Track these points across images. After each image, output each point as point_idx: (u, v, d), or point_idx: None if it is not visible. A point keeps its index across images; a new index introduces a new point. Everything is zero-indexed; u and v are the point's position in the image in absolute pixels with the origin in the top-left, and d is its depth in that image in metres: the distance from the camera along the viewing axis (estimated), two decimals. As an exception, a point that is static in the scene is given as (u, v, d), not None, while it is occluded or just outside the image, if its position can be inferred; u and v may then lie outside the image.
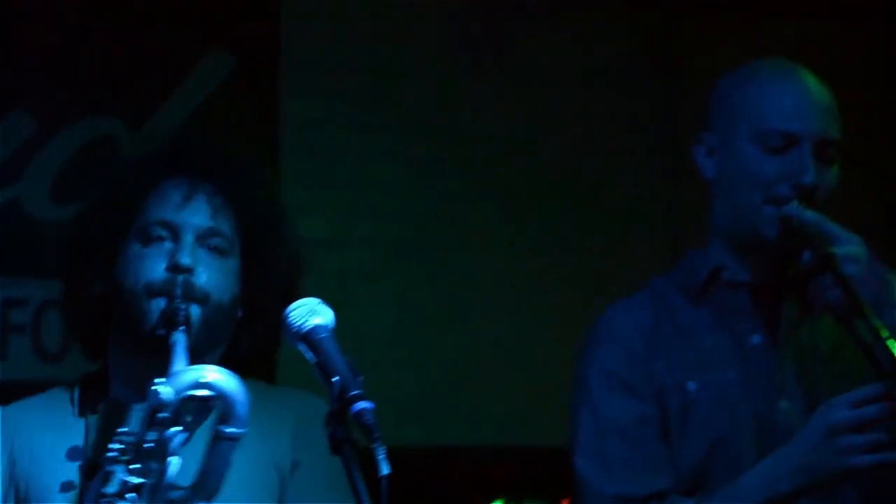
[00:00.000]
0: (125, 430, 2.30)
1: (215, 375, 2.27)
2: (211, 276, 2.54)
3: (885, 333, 2.51)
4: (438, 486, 5.55)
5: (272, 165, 5.45)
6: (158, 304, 2.50)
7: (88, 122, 5.18)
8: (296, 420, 2.58)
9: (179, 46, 5.32)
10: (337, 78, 5.65)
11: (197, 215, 2.57)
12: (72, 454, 2.52)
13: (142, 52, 5.25)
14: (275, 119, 5.50)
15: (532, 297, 5.74)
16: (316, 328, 2.27)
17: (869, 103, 6.02)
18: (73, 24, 5.17)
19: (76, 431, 2.54)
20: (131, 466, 2.25)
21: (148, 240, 2.56)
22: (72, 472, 2.49)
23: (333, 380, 2.18)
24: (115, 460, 2.27)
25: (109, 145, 5.14)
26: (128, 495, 2.25)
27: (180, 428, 2.27)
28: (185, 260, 2.52)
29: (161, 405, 2.24)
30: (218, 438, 2.28)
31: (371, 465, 2.09)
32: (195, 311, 2.50)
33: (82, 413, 2.58)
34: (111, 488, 2.27)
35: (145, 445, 2.25)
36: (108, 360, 2.63)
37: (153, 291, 2.51)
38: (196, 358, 2.45)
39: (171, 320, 2.46)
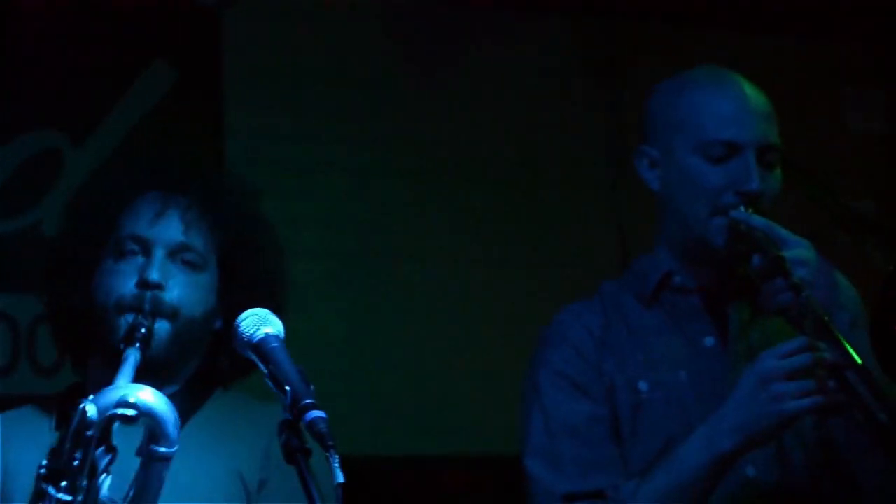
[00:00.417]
0: (55, 447, 2.27)
1: (143, 395, 2.25)
2: (182, 291, 2.55)
3: (839, 336, 2.53)
4: (391, 496, 5.53)
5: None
6: (127, 319, 2.51)
7: (33, 135, 5.14)
8: (270, 437, 2.51)
9: (121, 59, 5.28)
10: (280, 88, 5.63)
11: (168, 230, 2.58)
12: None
13: (83, 64, 5.21)
14: (218, 130, 5.47)
15: (481, 305, 5.73)
16: (266, 337, 2.27)
17: (808, 111, 6.09)
18: (13, 37, 5.13)
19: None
20: (61, 484, 2.22)
21: (120, 255, 2.57)
22: None
23: (286, 389, 2.17)
24: (45, 478, 2.24)
25: (54, 158, 5.11)
26: (58, 513, 2.23)
27: (103, 447, 2.25)
28: (154, 276, 2.53)
29: (87, 424, 2.21)
30: (149, 458, 2.28)
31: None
32: (164, 326, 2.51)
33: (58, 426, 2.58)
34: None
35: (74, 463, 2.22)
36: (87, 380, 2.64)
37: (123, 307, 2.52)
38: (167, 372, 2.46)
39: (129, 336, 2.47)
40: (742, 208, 2.74)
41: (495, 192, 5.86)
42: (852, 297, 2.72)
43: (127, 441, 2.29)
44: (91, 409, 2.22)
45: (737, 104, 2.81)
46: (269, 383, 2.22)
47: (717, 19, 6.05)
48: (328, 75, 5.69)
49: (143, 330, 2.47)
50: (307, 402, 2.15)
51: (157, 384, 2.40)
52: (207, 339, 2.63)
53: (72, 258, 2.60)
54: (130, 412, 2.23)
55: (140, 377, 2.43)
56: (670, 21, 5.98)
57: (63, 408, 2.59)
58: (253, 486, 2.57)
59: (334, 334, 5.55)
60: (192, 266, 2.57)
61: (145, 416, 2.25)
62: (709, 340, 2.82)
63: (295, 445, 2.14)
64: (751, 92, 2.84)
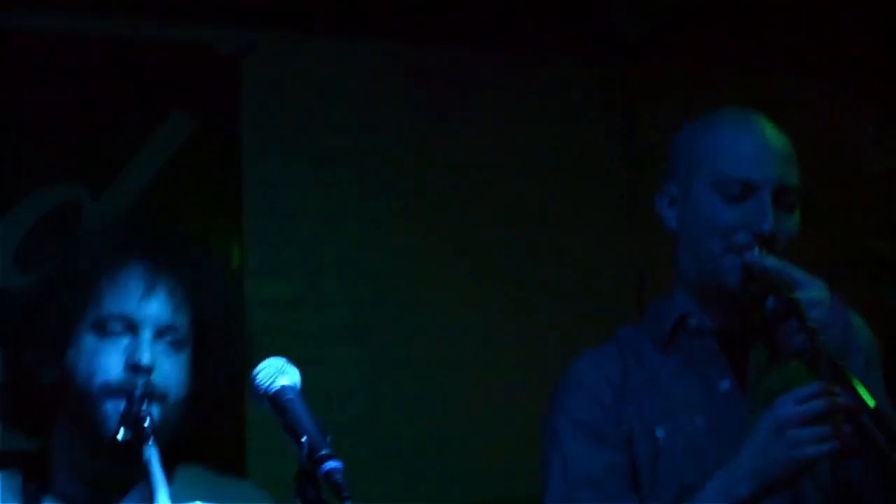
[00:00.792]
0: None
1: None
2: (168, 373, 2.44)
3: (853, 378, 2.53)
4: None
5: (236, 227, 5.46)
6: (116, 405, 2.39)
7: (51, 188, 5.17)
8: None
9: (140, 110, 5.31)
10: (299, 137, 5.66)
11: (156, 310, 2.46)
12: None
13: (102, 117, 5.24)
14: (237, 181, 5.49)
15: (499, 352, 5.73)
16: (283, 389, 2.27)
17: (827, 151, 6.09)
18: (33, 90, 5.17)
19: None
20: None
21: (104, 333, 2.45)
22: None
23: (302, 440, 2.18)
24: None
25: (73, 211, 5.12)
26: None
27: None
28: (146, 360, 2.42)
29: None
30: None
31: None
32: (155, 412, 2.40)
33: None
34: None
35: None
36: (52, 447, 2.52)
37: (111, 391, 2.40)
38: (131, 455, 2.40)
39: (137, 429, 2.37)
40: (756, 250, 2.74)
41: (512, 237, 5.87)
42: (867, 338, 2.72)
43: None
44: None
45: (756, 144, 2.81)
46: (286, 434, 2.22)
47: (737, 59, 6.06)
48: (346, 123, 5.71)
49: (147, 422, 2.36)
50: (324, 452, 2.15)
51: (133, 468, 2.38)
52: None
53: (45, 328, 2.46)
54: None
55: (119, 460, 2.41)
56: (687, 62, 5.99)
57: (29, 484, 2.49)
58: None
59: (352, 383, 5.55)
60: (176, 346, 2.47)
61: None
62: (724, 384, 2.81)
63: (312, 497, 2.14)
64: (771, 133, 2.84)
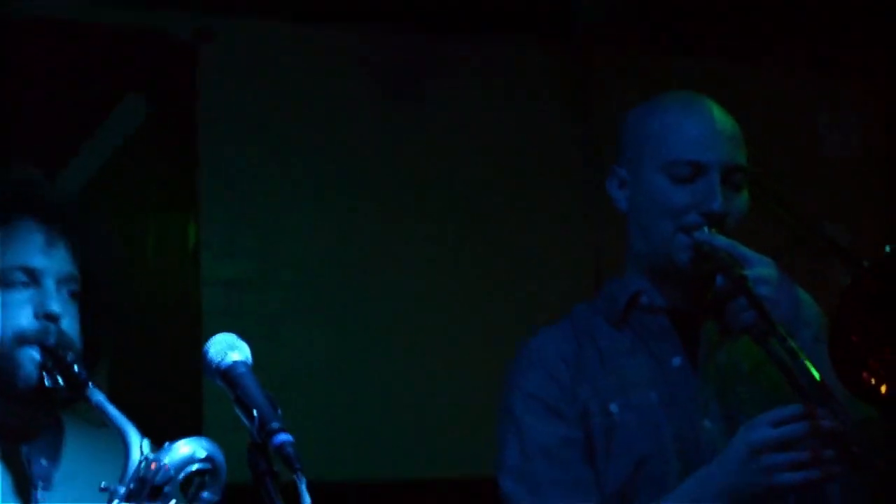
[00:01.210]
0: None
1: (210, 447, 2.28)
2: (72, 322, 2.51)
3: (801, 353, 2.55)
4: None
5: (192, 208, 5.45)
6: (30, 353, 2.45)
7: (4, 170, 5.14)
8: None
9: (95, 92, 5.30)
10: (255, 121, 5.65)
11: (58, 261, 2.53)
12: None
13: (57, 99, 5.22)
14: (193, 162, 5.48)
15: (457, 330, 5.75)
16: (234, 364, 2.28)
17: (784, 137, 6.14)
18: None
19: None
20: None
21: (7, 284, 2.49)
22: None
23: (253, 413, 2.19)
24: None
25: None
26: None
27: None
28: (56, 307, 2.47)
29: (166, 480, 2.24)
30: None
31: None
32: (70, 358, 2.45)
33: None
34: None
35: None
36: None
37: (26, 340, 2.46)
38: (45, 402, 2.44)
39: (68, 376, 2.40)
40: (706, 229, 2.77)
41: (472, 219, 5.88)
42: (815, 314, 2.74)
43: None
44: (166, 465, 2.24)
45: (703, 126, 2.84)
46: (237, 408, 2.23)
47: (693, 46, 6.09)
48: (302, 106, 5.71)
49: (77, 368, 2.41)
50: (274, 425, 2.16)
51: (40, 415, 2.42)
52: None
53: None
54: (206, 465, 2.26)
55: (30, 407, 2.44)
56: (645, 48, 6.01)
57: None
58: None
59: (310, 361, 5.56)
60: (73, 297, 2.53)
61: (214, 469, 2.27)
62: (676, 360, 2.84)
63: (263, 469, 2.16)
64: (718, 114, 2.87)
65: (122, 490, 2.25)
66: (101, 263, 2.60)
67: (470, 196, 5.91)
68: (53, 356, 2.44)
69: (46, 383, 2.42)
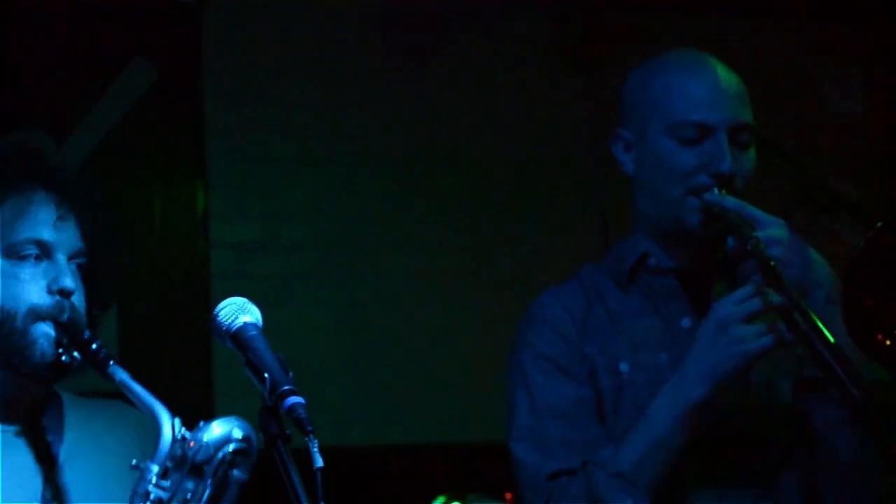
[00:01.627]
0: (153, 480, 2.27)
1: (244, 427, 2.28)
2: (81, 297, 2.49)
3: (813, 314, 2.55)
4: (379, 486, 5.56)
5: (200, 172, 5.46)
6: (44, 328, 2.43)
7: (13, 135, 5.15)
8: (139, 430, 2.53)
9: (101, 57, 5.30)
10: (260, 84, 5.65)
11: (68, 235, 2.50)
12: None
13: (63, 64, 5.22)
14: (199, 126, 5.49)
15: (464, 293, 5.76)
16: (245, 326, 2.28)
17: (792, 95, 6.12)
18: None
19: None
20: None
21: (19, 258, 2.46)
22: None
23: (265, 376, 2.19)
24: None
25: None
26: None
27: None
28: (69, 283, 2.45)
29: (207, 459, 2.25)
30: (229, 483, 2.29)
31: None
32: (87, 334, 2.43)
33: None
34: None
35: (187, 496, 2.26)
36: None
37: (39, 315, 2.43)
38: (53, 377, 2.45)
39: (86, 352, 2.39)
40: (715, 190, 2.76)
41: (477, 182, 5.89)
42: (827, 274, 2.73)
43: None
44: (206, 443, 2.25)
45: (708, 85, 2.82)
46: (248, 371, 2.23)
47: (695, 4, 6.07)
48: (309, 71, 5.71)
49: (96, 345, 2.39)
50: (286, 388, 2.17)
51: (48, 389, 2.45)
52: None
53: None
54: (243, 445, 2.27)
55: (41, 381, 2.45)
56: (648, 8, 6.00)
57: None
58: None
59: (319, 325, 5.57)
60: (82, 270, 2.51)
61: (251, 447, 2.27)
62: (685, 321, 2.83)
63: (274, 432, 2.16)
64: (722, 73, 2.84)
65: (157, 468, 2.25)
66: (106, 236, 2.57)
67: (476, 159, 5.91)
68: (69, 332, 2.42)
69: (64, 359, 2.40)
